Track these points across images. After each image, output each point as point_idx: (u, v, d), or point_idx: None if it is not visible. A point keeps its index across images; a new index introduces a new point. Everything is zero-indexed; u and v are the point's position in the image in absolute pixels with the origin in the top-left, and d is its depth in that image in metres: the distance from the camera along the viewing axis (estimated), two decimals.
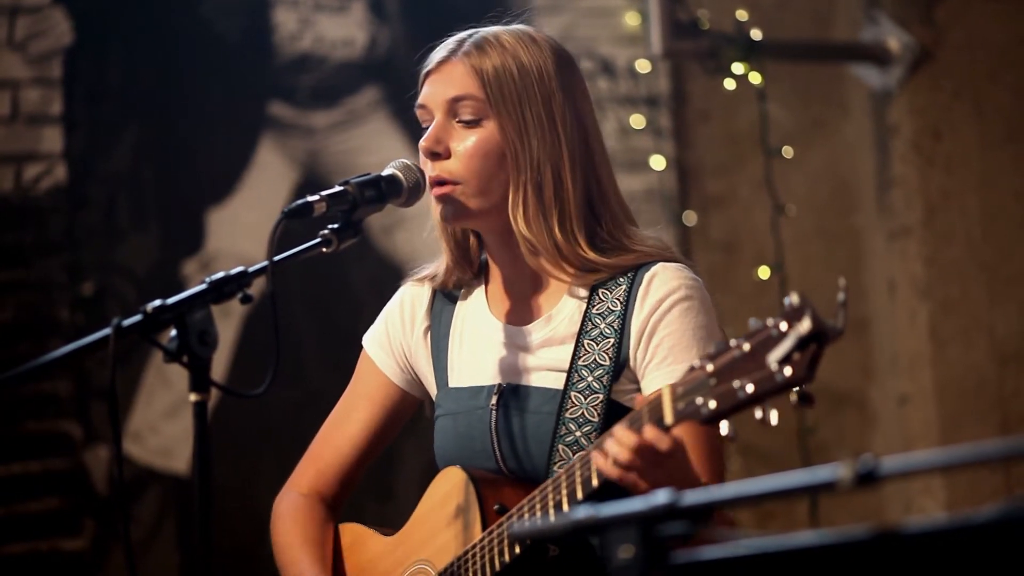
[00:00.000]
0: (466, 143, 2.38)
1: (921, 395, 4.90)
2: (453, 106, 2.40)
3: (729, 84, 4.79)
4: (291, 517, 2.58)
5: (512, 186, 2.38)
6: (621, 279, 2.39)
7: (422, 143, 2.40)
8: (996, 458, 1.45)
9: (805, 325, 1.86)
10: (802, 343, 1.86)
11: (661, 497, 1.59)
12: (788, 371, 1.87)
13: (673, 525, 1.59)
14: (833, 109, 5.17)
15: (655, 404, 2.06)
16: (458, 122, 2.40)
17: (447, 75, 2.41)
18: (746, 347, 1.92)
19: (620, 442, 2.09)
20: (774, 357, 1.88)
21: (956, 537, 1.45)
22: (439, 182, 2.39)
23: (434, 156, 2.39)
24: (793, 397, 1.90)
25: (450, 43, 2.45)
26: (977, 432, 4.77)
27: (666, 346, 2.34)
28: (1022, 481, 4.70)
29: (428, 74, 2.44)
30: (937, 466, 1.48)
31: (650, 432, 2.07)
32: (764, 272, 4.79)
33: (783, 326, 1.89)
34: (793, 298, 1.89)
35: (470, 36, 2.44)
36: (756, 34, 4.75)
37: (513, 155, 2.37)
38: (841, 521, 4.80)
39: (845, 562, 1.49)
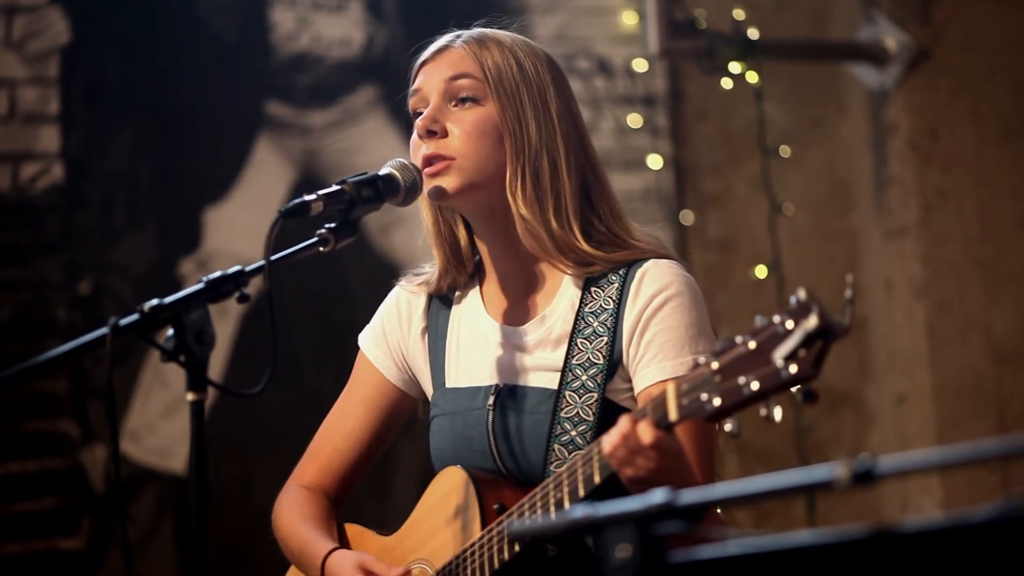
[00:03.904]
0: (465, 120, 2.39)
1: (918, 394, 4.90)
2: (451, 86, 2.40)
3: (726, 83, 4.80)
4: (295, 505, 2.56)
5: (510, 168, 2.38)
6: (613, 277, 2.40)
7: (418, 122, 2.40)
8: (993, 457, 1.45)
9: (812, 321, 1.85)
10: (808, 339, 1.85)
11: (658, 496, 1.59)
12: (793, 368, 1.86)
13: (670, 524, 1.59)
14: (830, 108, 5.17)
15: (659, 400, 2.06)
16: (455, 105, 2.40)
17: (446, 59, 2.43)
18: (752, 344, 1.91)
19: (619, 430, 2.09)
20: (780, 354, 1.87)
21: (953, 536, 1.45)
22: (432, 160, 2.38)
23: (430, 134, 2.39)
24: (797, 395, 1.89)
25: (448, 36, 2.47)
26: (974, 431, 4.77)
27: (657, 342, 2.34)
28: (1019, 480, 4.70)
29: (424, 63, 2.45)
30: (934, 465, 1.49)
31: (640, 425, 2.07)
32: (761, 271, 4.79)
33: (789, 323, 1.87)
34: (800, 294, 1.87)
35: (468, 30, 2.47)
36: (753, 33, 4.75)
37: (512, 138, 2.38)
38: (838, 520, 4.80)
39: (842, 561, 1.49)
